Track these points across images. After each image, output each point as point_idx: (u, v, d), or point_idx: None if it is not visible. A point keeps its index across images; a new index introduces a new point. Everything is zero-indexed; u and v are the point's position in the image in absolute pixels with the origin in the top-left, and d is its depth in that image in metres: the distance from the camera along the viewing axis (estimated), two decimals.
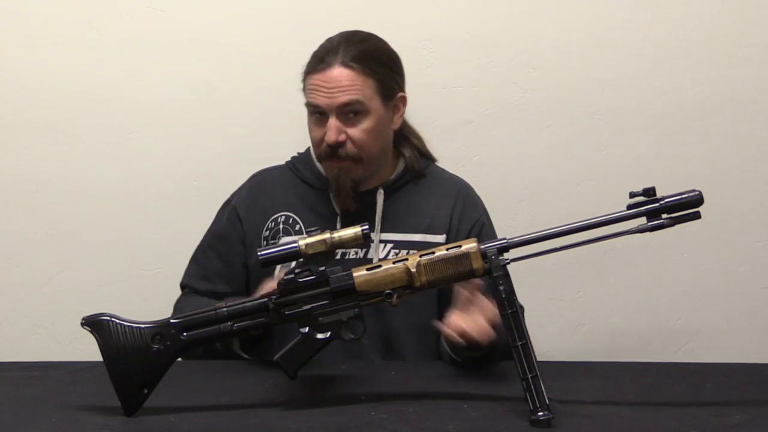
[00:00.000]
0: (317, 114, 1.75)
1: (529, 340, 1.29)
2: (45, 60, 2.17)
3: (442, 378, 1.54)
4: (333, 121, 1.72)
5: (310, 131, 1.78)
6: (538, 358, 1.29)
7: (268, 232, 1.82)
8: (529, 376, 1.27)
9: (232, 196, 1.90)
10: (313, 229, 1.38)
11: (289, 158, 1.92)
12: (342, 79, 1.72)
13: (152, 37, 2.17)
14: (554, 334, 2.18)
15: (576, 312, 2.20)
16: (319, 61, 1.75)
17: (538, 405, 1.25)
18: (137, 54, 2.17)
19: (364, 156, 1.75)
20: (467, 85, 2.18)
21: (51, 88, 2.17)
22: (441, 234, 1.79)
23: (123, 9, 2.17)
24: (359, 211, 1.78)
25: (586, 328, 2.21)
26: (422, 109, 2.16)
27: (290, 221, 1.81)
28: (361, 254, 1.76)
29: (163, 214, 2.19)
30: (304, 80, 1.78)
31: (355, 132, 1.73)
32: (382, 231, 1.77)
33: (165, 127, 2.19)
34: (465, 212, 1.82)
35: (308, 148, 1.89)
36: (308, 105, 1.76)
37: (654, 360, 1.88)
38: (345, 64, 1.73)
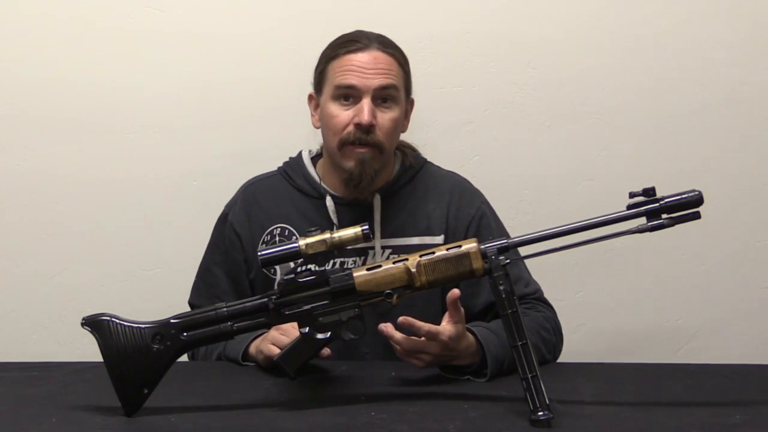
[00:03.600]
0: (343, 98, 1.70)
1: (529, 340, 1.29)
2: (45, 59, 2.17)
3: (442, 378, 1.54)
4: (368, 102, 1.68)
5: (333, 117, 1.71)
6: None
7: (264, 245, 1.79)
8: (529, 376, 1.27)
9: (227, 208, 1.87)
10: (312, 229, 1.37)
11: (287, 160, 1.89)
12: (381, 61, 1.70)
13: (152, 37, 2.17)
14: None
15: (576, 312, 2.20)
16: (353, 42, 1.72)
17: (538, 405, 1.25)
18: (137, 54, 2.17)
19: (386, 146, 1.72)
20: (467, 85, 2.18)
21: (51, 88, 2.17)
22: (439, 235, 1.78)
23: (123, 8, 2.16)
24: (356, 219, 1.76)
25: (586, 328, 2.21)
26: (422, 109, 2.16)
27: (286, 233, 1.79)
28: (360, 262, 1.75)
29: (163, 214, 2.19)
30: (329, 64, 1.73)
31: (383, 119, 1.70)
32: (381, 237, 1.75)
33: (165, 127, 2.19)
34: (461, 209, 1.80)
35: (299, 153, 1.87)
36: (340, 87, 1.70)
37: (654, 360, 1.89)
38: (382, 49, 1.71)
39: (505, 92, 2.18)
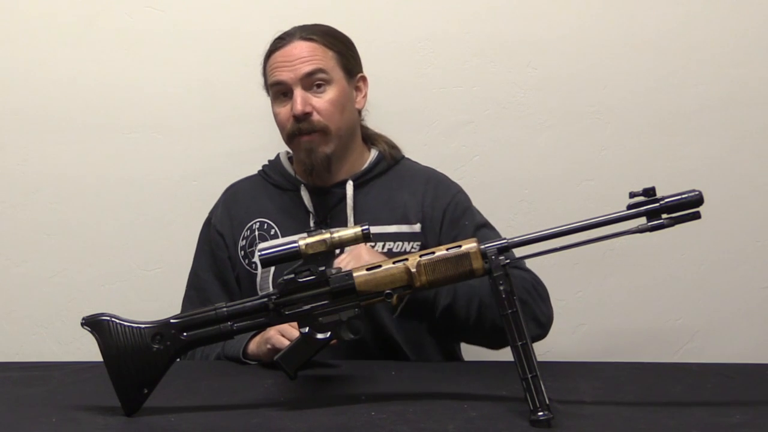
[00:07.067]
0: (281, 94, 1.78)
1: (529, 339, 1.29)
2: (44, 59, 2.17)
3: (442, 378, 1.54)
4: (299, 92, 1.75)
5: (277, 114, 1.81)
6: (538, 358, 1.29)
7: (244, 241, 1.83)
8: (529, 376, 1.26)
9: (211, 213, 1.92)
10: (313, 229, 1.38)
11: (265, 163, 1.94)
12: (303, 50, 1.77)
13: (152, 37, 2.17)
14: (554, 334, 2.17)
15: (576, 312, 2.20)
16: (279, 40, 1.80)
17: (538, 405, 1.25)
18: (137, 53, 2.17)
19: (331, 127, 1.77)
20: (467, 85, 2.18)
21: (51, 88, 2.18)
22: (415, 223, 1.80)
23: (122, 8, 2.17)
24: (331, 205, 1.80)
25: (586, 328, 2.21)
26: (422, 109, 2.17)
27: (265, 227, 1.82)
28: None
29: (163, 214, 2.19)
30: (265, 67, 1.82)
31: (320, 102, 1.76)
32: (356, 224, 1.77)
33: (165, 127, 2.19)
34: (437, 198, 1.83)
35: (277, 155, 1.92)
36: (272, 85, 1.79)
37: (654, 360, 1.88)
38: (304, 38, 1.78)
39: (505, 92, 2.18)
